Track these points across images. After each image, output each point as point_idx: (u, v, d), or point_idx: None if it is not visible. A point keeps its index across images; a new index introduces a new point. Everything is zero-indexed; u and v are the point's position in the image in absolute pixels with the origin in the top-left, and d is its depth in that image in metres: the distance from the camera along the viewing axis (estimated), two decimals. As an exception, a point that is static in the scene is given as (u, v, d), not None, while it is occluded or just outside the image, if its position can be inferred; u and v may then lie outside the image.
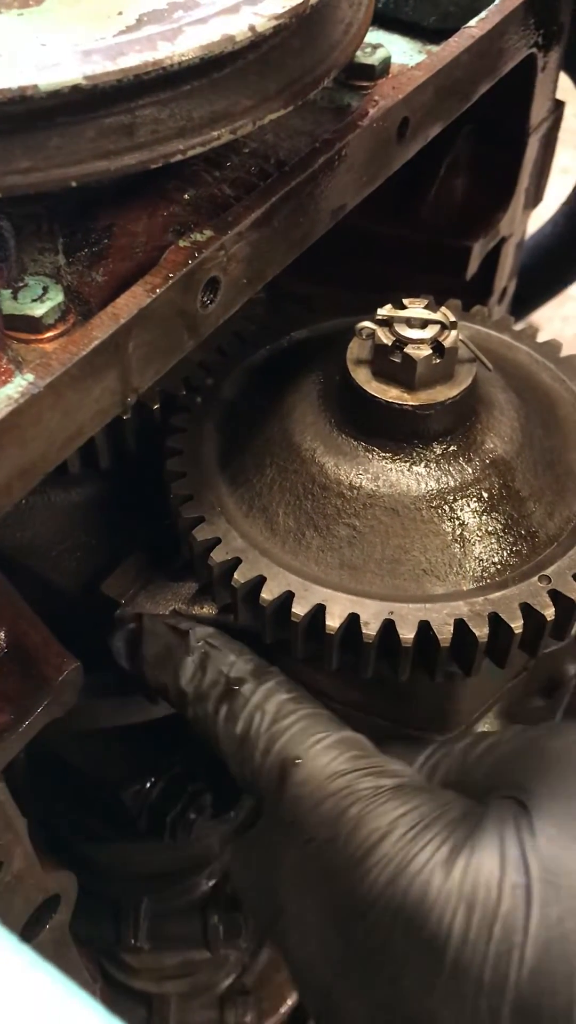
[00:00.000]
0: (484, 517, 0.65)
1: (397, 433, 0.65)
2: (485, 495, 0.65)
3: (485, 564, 0.64)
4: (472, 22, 0.69)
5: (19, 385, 0.43)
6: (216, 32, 0.46)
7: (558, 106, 0.96)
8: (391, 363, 0.64)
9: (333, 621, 0.61)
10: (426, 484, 0.65)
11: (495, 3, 0.71)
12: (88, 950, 1.06)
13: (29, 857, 0.60)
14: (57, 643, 0.59)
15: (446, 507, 0.64)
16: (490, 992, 0.49)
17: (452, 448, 0.66)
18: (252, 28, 0.47)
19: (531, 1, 0.74)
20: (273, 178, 0.56)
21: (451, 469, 0.65)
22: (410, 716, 0.69)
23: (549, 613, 0.60)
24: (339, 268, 0.87)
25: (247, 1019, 1.18)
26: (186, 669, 0.65)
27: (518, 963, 0.48)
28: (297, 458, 0.67)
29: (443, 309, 0.66)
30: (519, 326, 0.81)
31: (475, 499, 0.65)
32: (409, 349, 0.64)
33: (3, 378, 0.43)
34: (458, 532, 0.64)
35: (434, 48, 0.71)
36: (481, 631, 0.59)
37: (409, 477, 0.65)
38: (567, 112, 0.98)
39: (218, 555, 0.64)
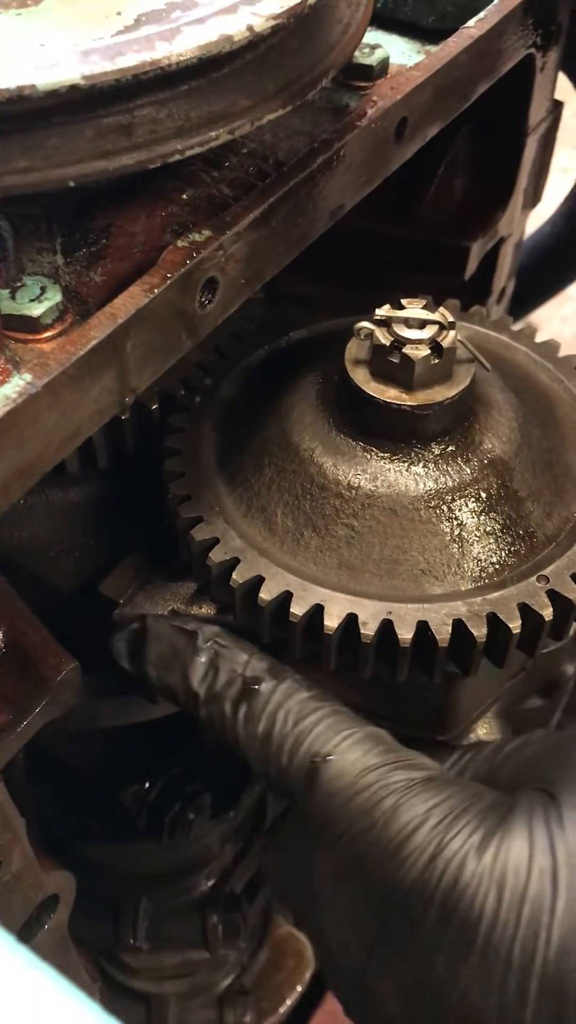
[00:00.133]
0: (482, 517, 0.65)
1: (395, 433, 0.65)
2: (483, 495, 0.65)
3: (483, 564, 0.64)
4: (471, 22, 0.69)
5: (17, 385, 0.43)
6: (214, 32, 0.46)
7: (557, 106, 0.96)
8: (389, 363, 0.64)
9: (331, 621, 0.61)
10: (424, 484, 0.65)
11: (493, 3, 0.71)
12: (87, 950, 1.06)
13: (28, 857, 0.60)
14: (55, 643, 0.59)
15: (444, 507, 0.64)
16: (519, 971, 0.51)
17: (450, 448, 0.66)
18: (250, 28, 0.47)
19: (529, 1, 0.74)
20: (271, 178, 0.56)
21: (449, 469, 0.65)
22: (408, 716, 0.69)
23: (547, 613, 0.60)
24: (337, 268, 0.87)
25: (246, 1019, 1.18)
26: (196, 670, 0.65)
27: (545, 943, 0.50)
28: (296, 458, 0.67)
29: (441, 309, 0.66)
30: (517, 326, 0.81)
31: (473, 499, 0.65)
32: (407, 349, 0.64)
33: (1, 378, 0.43)
34: (456, 532, 0.64)
35: (432, 48, 0.71)
36: (479, 631, 0.59)
37: (407, 477, 0.65)
38: (566, 112, 0.98)
39: (216, 555, 0.64)
